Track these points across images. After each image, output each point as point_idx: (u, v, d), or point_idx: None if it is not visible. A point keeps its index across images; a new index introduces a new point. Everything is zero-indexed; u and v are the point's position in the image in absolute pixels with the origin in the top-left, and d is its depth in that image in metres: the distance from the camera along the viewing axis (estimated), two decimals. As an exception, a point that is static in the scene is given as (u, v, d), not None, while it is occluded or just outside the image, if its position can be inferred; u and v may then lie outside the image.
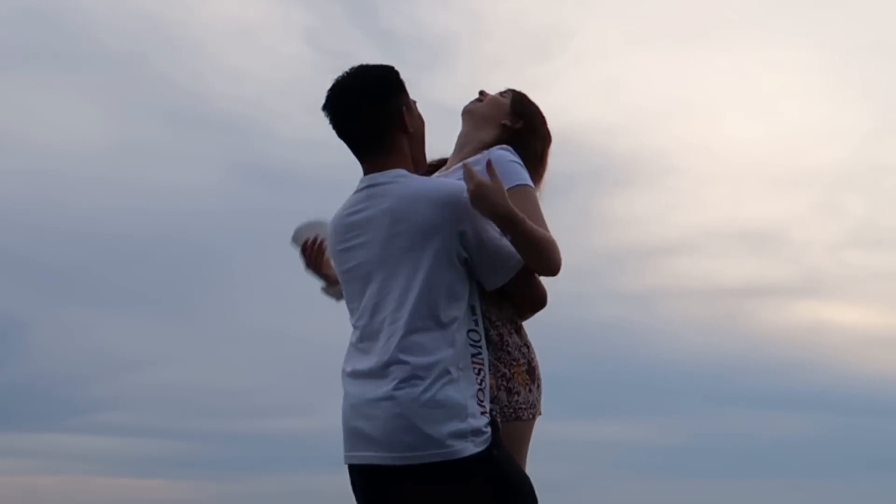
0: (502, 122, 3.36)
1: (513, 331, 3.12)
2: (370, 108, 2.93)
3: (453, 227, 2.84)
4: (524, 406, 3.08)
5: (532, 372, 3.11)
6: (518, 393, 3.06)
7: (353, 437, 2.85)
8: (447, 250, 2.84)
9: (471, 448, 2.78)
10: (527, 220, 2.85)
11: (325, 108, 2.99)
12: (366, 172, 2.98)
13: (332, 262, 3.08)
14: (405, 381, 2.78)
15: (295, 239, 3.33)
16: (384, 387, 2.79)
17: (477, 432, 2.80)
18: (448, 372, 2.79)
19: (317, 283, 3.39)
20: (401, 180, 2.90)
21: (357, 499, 2.95)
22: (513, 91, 3.41)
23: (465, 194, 2.82)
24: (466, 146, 3.26)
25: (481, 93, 3.41)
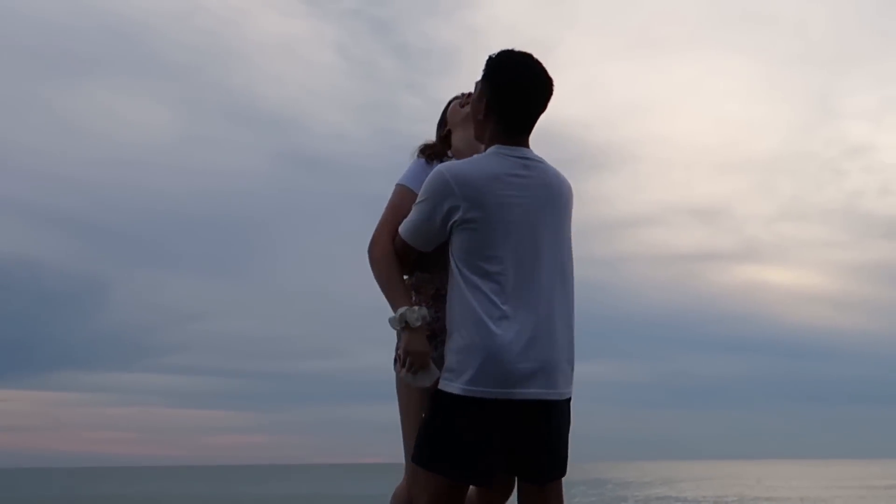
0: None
1: None
2: None
3: None
4: None
5: None
6: None
7: (521, 374, 2.74)
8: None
9: None
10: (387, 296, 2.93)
11: (546, 85, 2.88)
12: (516, 143, 2.87)
13: (469, 206, 2.76)
14: (569, 331, 2.87)
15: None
16: (558, 335, 2.81)
17: None
18: None
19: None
20: (544, 162, 2.93)
21: (489, 434, 2.77)
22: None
23: None
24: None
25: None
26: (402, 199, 2.98)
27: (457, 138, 3.17)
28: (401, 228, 2.90)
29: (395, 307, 2.88)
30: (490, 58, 2.89)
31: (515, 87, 2.85)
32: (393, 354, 3.04)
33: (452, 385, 2.78)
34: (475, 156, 2.91)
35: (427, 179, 2.84)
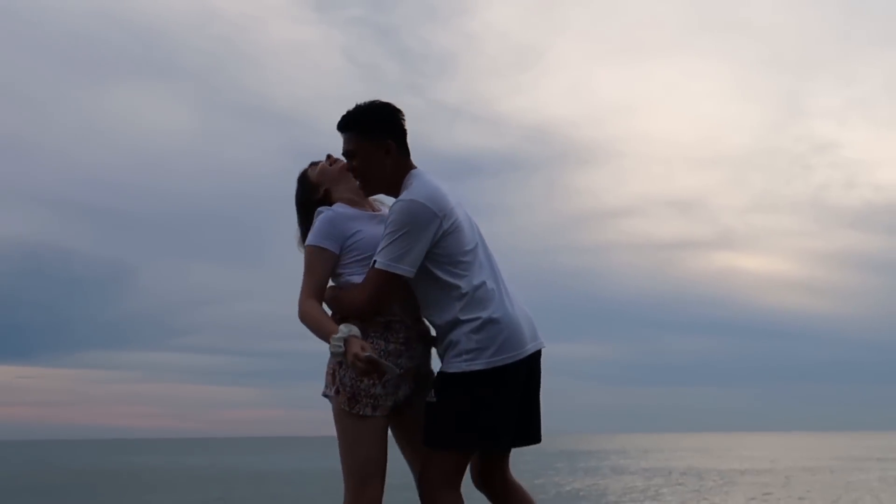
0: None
1: None
2: None
3: None
4: None
5: None
6: None
7: (526, 334, 3.06)
8: None
9: None
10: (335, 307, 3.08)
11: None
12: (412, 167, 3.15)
13: (447, 219, 2.99)
14: None
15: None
16: (519, 299, 3.16)
17: None
18: None
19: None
20: None
21: (513, 398, 3.04)
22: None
23: None
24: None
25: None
26: (315, 260, 3.04)
27: (341, 190, 3.19)
28: (395, 267, 2.92)
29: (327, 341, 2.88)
30: (372, 110, 3.05)
31: (402, 122, 3.09)
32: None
33: (476, 363, 2.96)
34: (419, 181, 3.03)
35: (403, 211, 2.93)
